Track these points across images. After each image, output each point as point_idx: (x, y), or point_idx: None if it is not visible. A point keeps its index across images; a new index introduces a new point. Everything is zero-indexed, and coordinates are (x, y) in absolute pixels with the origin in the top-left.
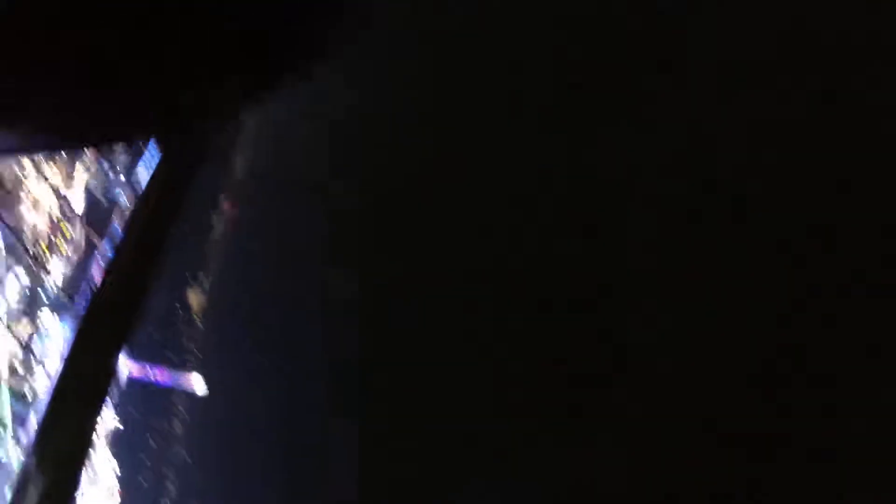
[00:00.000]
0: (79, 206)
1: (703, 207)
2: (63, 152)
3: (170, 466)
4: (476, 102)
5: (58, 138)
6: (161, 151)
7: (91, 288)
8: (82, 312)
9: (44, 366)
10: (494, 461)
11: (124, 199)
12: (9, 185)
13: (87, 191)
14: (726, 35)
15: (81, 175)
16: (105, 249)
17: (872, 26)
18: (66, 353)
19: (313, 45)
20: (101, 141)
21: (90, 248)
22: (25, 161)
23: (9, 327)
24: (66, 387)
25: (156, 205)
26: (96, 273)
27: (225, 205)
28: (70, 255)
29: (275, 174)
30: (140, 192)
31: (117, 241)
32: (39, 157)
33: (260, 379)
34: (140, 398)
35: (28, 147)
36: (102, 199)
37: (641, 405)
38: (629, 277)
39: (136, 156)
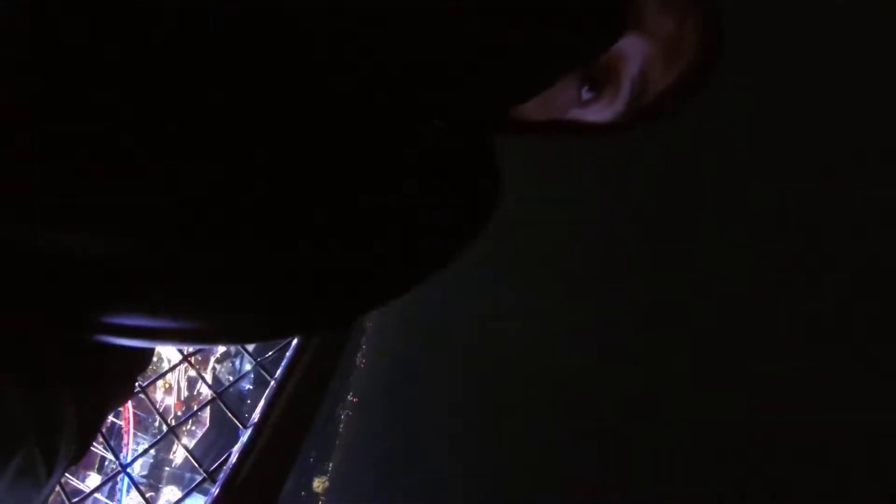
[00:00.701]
0: (208, 388)
1: None
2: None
3: None
4: None
5: (201, 338)
6: (298, 345)
7: (224, 469)
8: (214, 491)
9: None
10: None
11: (253, 385)
12: (148, 371)
13: (216, 376)
14: None
15: (211, 361)
16: (238, 432)
17: None
18: None
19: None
20: (238, 342)
21: (219, 429)
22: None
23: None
24: None
25: (293, 395)
26: (230, 454)
27: (349, 397)
28: (198, 433)
29: (391, 370)
30: (273, 380)
31: (250, 425)
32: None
33: None
34: None
35: (177, 340)
36: (232, 384)
37: None
38: None
39: (268, 346)
